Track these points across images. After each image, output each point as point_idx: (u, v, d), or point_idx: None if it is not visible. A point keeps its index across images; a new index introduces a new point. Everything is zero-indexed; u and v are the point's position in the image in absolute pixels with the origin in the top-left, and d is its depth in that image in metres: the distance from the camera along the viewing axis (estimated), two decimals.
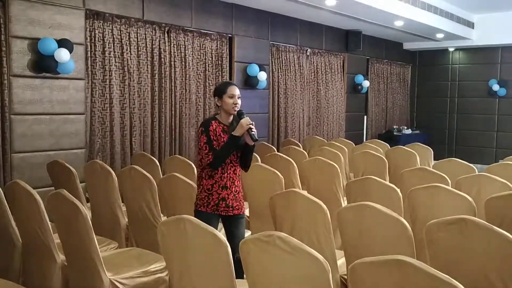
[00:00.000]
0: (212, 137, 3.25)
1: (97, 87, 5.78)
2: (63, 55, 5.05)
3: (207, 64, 7.08)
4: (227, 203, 3.32)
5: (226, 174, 3.31)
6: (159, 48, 6.42)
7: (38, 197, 3.09)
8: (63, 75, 5.28)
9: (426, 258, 2.64)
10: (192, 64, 6.86)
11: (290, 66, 8.61)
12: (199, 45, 6.95)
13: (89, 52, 5.67)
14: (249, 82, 7.59)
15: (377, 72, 11.06)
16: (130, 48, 6.07)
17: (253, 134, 3.19)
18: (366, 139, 10.50)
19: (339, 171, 4.87)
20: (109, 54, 5.86)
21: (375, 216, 2.86)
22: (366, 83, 10.20)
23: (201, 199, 3.34)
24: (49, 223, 3.11)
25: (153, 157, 5.37)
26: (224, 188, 3.31)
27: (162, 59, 6.46)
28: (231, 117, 3.33)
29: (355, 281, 2.01)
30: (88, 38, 5.64)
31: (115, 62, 5.93)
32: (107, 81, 5.86)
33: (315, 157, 5.30)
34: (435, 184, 3.65)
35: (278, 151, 6.52)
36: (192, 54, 6.85)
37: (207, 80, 7.10)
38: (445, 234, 2.58)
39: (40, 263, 3.28)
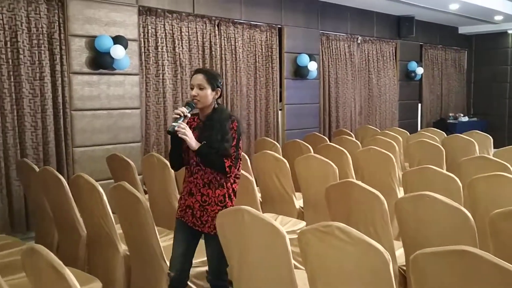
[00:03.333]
0: None
1: (151, 81, 5.92)
2: (118, 51, 5.20)
3: (257, 56, 7.10)
4: (194, 212, 2.80)
5: (191, 177, 2.82)
6: (210, 42, 6.49)
7: (100, 189, 3.21)
8: (118, 71, 5.44)
9: (489, 249, 2.55)
10: (242, 56, 6.90)
11: (340, 55, 8.49)
12: (249, 37, 6.98)
13: (142, 48, 5.81)
14: (299, 73, 7.55)
15: (431, 58, 10.72)
16: (182, 43, 6.17)
17: (171, 125, 2.67)
18: (420, 128, 10.23)
19: (394, 161, 4.77)
20: (162, 49, 5.98)
21: (435, 206, 2.79)
22: (420, 70, 9.91)
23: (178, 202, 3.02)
24: (111, 214, 3.22)
25: None
26: (190, 195, 2.83)
27: (213, 52, 6.52)
28: (208, 111, 2.78)
29: (416, 272, 1.97)
30: (142, 34, 5.79)
31: (168, 56, 6.05)
32: (160, 75, 6.00)
33: (369, 147, 5.21)
34: (498, 173, 3.51)
35: (330, 142, 6.46)
36: (242, 46, 6.88)
37: (257, 71, 7.12)
38: (510, 224, 2.49)
39: (103, 253, 3.41)
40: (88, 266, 3.58)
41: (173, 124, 2.63)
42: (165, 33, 6.00)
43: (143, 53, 5.83)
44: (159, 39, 5.95)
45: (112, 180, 4.81)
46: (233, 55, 6.78)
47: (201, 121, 2.81)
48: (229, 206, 2.78)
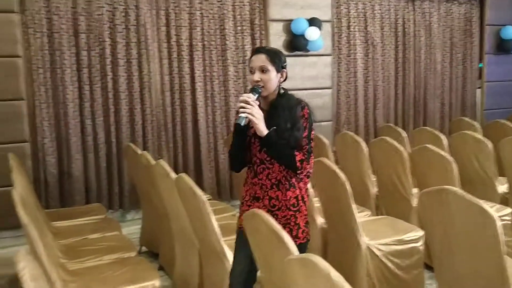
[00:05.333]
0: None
1: (342, 61, 6.03)
2: (313, 33, 5.40)
3: (453, 31, 6.69)
4: None
5: (255, 178, 2.34)
6: (403, 18, 6.31)
7: None
8: (312, 52, 5.65)
9: None
10: (438, 32, 6.56)
11: None
12: (445, 11, 6.60)
13: (335, 29, 5.93)
14: (503, 47, 6.88)
15: None
16: (374, 21, 6.12)
17: (239, 117, 2.17)
18: None
19: None
20: (354, 28, 6.03)
21: None
22: None
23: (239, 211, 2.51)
24: (310, 188, 3.41)
25: (400, 129, 5.37)
26: (254, 199, 2.35)
27: (406, 30, 6.34)
28: (273, 98, 2.31)
29: None
30: (335, 14, 5.89)
31: (359, 36, 6.08)
32: (352, 55, 6.06)
33: None
34: None
35: None
36: (437, 21, 6.54)
37: (454, 48, 6.72)
38: None
39: None
40: None
41: (241, 115, 2.16)
42: (357, 12, 6.02)
43: (336, 34, 5.95)
44: (351, 19, 6.00)
45: None
46: (428, 31, 6.49)
47: (264, 110, 2.26)
48: (303, 210, 2.33)
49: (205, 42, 5.19)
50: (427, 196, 2.53)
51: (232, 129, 2.36)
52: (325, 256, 3.49)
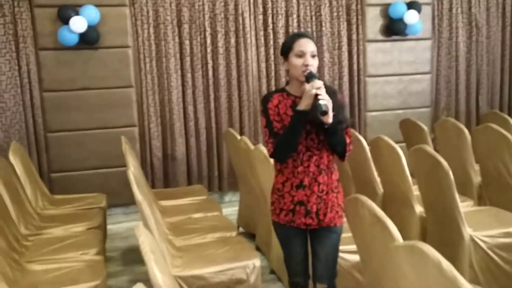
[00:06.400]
0: (272, 117, 2.29)
1: (443, 45, 5.80)
2: (412, 17, 5.24)
3: None
4: (308, 208, 2.30)
5: (301, 167, 2.29)
6: None
7: (400, 151, 3.38)
8: (410, 36, 5.49)
9: None
10: None
11: None
12: None
13: (435, 11, 5.70)
14: None
15: None
16: (479, 2, 5.80)
17: (319, 104, 2.10)
18: None
19: None
20: (456, 10, 5.76)
21: None
22: None
23: (272, 203, 2.43)
24: (409, 175, 3.36)
25: (506, 116, 5.07)
26: (300, 187, 2.30)
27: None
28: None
29: None
30: None
31: (462, 18, 5.79)
32: (454, 38, 5.80)
33: None
34: None
35: None
36: None
37: None
38: None
39: (399, 211, 3.59)
40: None
41: (321, 103, 2.11)
42: None
43: (436, 17, 5.72)
44: (454, 0, 5.73)
45: (403, 144, 4.94)
46: None
47: (300, 98, 2.23)
48: (341, 191, 2.40)
49: (301, 29, 5.22)
50: None
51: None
52: None
